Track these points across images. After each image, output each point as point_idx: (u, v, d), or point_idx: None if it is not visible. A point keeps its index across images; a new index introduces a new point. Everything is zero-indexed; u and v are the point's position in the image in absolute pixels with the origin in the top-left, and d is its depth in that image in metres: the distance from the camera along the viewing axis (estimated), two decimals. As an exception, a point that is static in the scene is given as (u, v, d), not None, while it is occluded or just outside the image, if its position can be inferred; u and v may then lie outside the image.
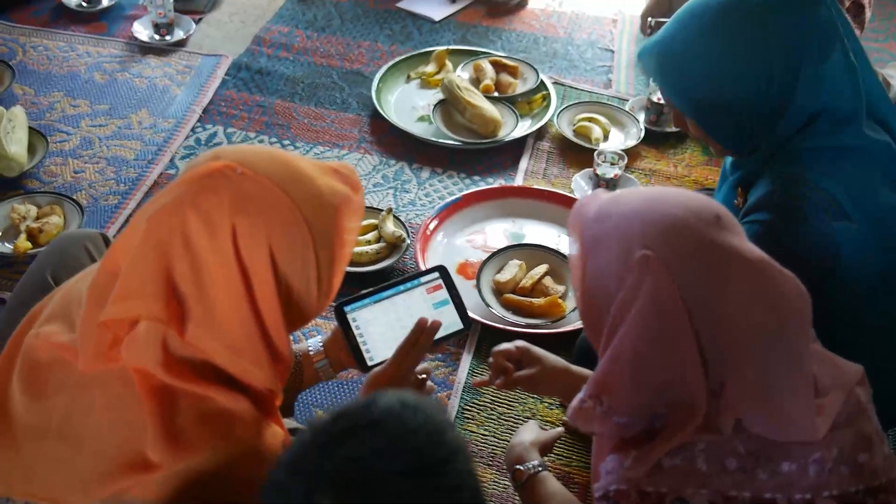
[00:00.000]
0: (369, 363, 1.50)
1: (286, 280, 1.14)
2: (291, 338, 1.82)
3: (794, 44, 1.54)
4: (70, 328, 1.19)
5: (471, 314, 2.09)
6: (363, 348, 1.50)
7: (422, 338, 1.45)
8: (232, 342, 1.12)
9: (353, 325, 1.51)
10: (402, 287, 1.57)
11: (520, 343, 1.59)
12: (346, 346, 1.51)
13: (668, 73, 1.65)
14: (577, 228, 1.21)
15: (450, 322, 1.56)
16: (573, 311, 2.14)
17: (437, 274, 1.59)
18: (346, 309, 1.51)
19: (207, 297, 1.10)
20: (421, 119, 2.82)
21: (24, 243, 2.21)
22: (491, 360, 1.61)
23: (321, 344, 1.58)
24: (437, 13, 3.34)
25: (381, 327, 1.52)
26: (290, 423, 1.63)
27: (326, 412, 1.00)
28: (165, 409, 1.11)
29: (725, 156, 1.79)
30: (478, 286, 2.18)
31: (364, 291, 1.55)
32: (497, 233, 2.41)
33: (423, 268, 2.22)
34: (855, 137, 1.58)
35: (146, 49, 3.07)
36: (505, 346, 1.59)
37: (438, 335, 1.51)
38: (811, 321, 1.10)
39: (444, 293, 1.58)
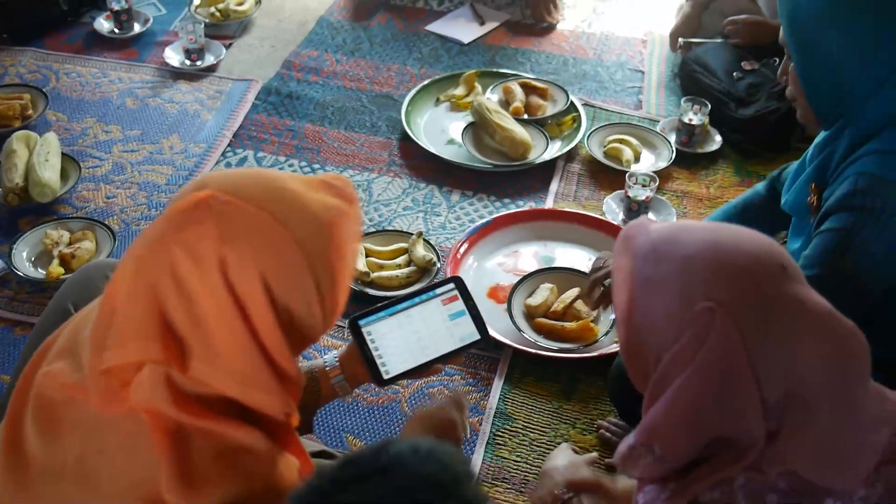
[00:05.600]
0: (385, 377, 1.47)
1: (284, 305, 1.11)
2: (307, 354, 1.81)
3: None
4: (78, 366, 1.17)
5: (502, 338, 2.10)
6: (378, 362, 1.47)
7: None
8: (237, 373, 1.10)
9: (367, 338, 1.48)
10: (417, 299, 1.53)
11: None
12: (361, 360, 1.48)
13: (794, 3, 1.60)
14: (625, 262, 1.15)
15: (467, 333, 1.53)
16: (605, 334, 2.11)
17: (452, 285, 1.56)
18: (361, 322, 1.48)
19: (205, 331, 1.08)
20: (450, 142, 2.81)
21: (56, 269, 2.22)
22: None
23: (337, 359, 1.54)
24: (466, 36, 3.34)
25: (397, 340, 1.49)
26: (312, 444, 1.62)
27: (343, 455, 0.98)
28: (179, 449, 1.09)
29: (812, 125, 1.74)
30: (509, 310, 2.16)
31: (379, 304, 1.52)
32: (528, 256, 2.40)
33: (453, 292, 2.21)
34: None
35: (177, 74, 3.09)
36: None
37: (456, 346, 1.49)
38: (870, 368, 1.07)
39: (460, 304, 1.54)
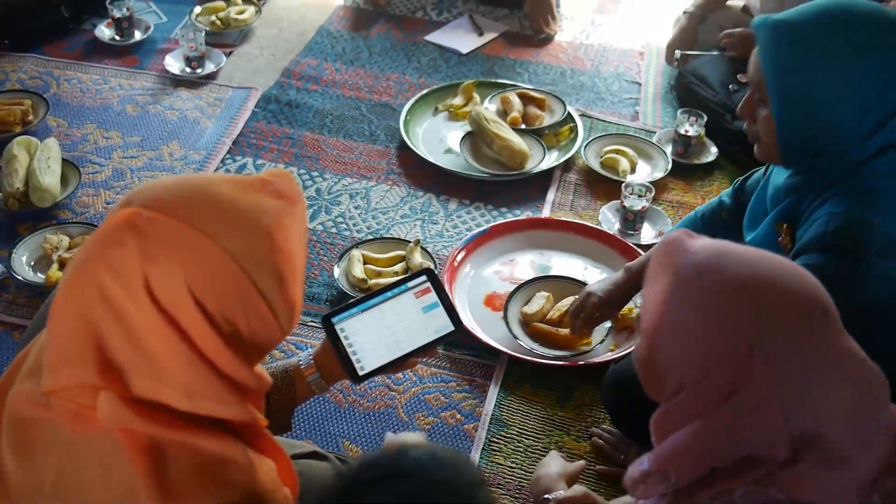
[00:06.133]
0: (360, 373, 1.46)
1: (224, 316, 1.08)
2: (287, 351, 1.79)
3: None
4: None
5: (497, 345, 2.11)
6: (353, 358, 1.46)
7: None
8: (183, 385, 1.07)
9: (341, 335, 1.47)
10: (389, 294, 1.52)
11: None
12: (336, 357, 1.47)
13: (778, 51, 1.57)
14: (663, 278, 1.12)
15: (441, 325, 1.52)
16: (601, 343, 2.13)
17: (424, 277, 1.54)
18: (334, 320, 1.47)
19: (145, 349, 1.05)
20: (448, 151, 2.83)
21: (55, 273, 2.24)
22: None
23: (311, 357, 1.52)
24: (465, 46, 3.36)
25: (371, 336, 1.48)
26: (304, 445, 1.62)
27: (356, 460, 0.99)
28: (156, 464, 1.07)
29: (777, 164, 1.73)
30: (505, 318, 2.18)
31: (351, 300, 1.51)
32: (524, 264, 2.42)
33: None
34: None
35: (177, 82, 3.11)
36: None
37: (430, 339, 1.49)
38: (889, 401, 1.08)
39: (433, 296, 1.53)
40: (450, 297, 1.55)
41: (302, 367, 1.51)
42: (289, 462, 1.24)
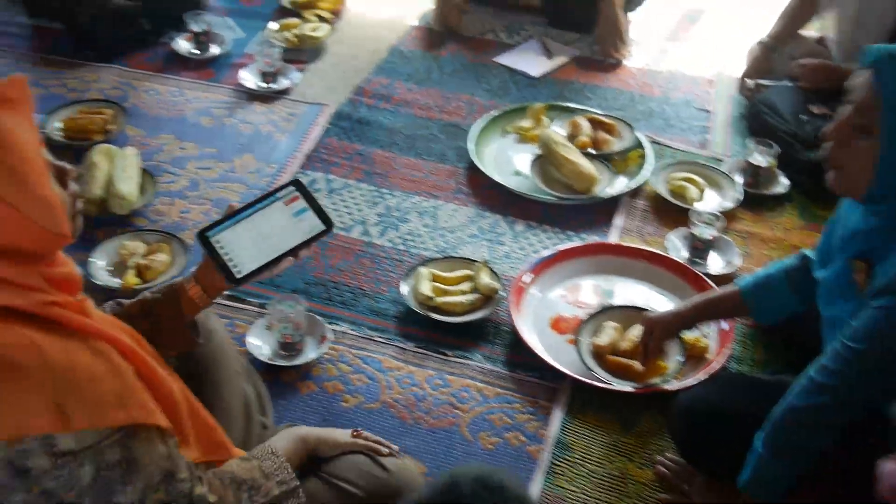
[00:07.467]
0: (237, 276, 1.51)
1: None
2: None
3: None
4: None
5: (564, 369, 2.12)
6: (230, 265, 1.52)
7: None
8: None
9: (216, 245, 1.53)
10: (259, 205, 1.58)
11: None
12: (215, 269, 1.52)
13: None
14: None
15: (312, 226, 1.57)
16: (673, 373, 2.11)
17: (292, 188, 1.60)
18: (209, 234, 1.54)
19: None
20: (516, 173, 2.85)
21: (132, 279, 2.29)
22: None
23: (193, 273, 1.58)
24: (535, 69, 3.39)
25: (246, 243, 1.54)
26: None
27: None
28: None
29: (852, 198, 1.66)
30: (578, 350, 2.17)
31: (222, 217, 1.57)
32: (588, 289, 2.42)
33: (516, 322, 2.24)
34: None
35: (252, 96, 3.17)
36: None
37: (303, 239, 1.54)
38: None
39: (302, 203, 1.59)
40: (318, 200, 1.60)
41: (185, 283, 1.57)
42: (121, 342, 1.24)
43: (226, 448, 1.46)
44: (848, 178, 1.61)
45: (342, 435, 1.67)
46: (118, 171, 2.59)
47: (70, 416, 1.10)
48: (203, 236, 1.53)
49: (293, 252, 1.55)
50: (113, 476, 1.13)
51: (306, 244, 1.56)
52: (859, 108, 1.56)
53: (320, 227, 1.57)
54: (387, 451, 1.69)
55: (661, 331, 2.02)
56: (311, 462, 1.61)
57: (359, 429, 1.72)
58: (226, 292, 2.17)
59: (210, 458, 1.41)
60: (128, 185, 2.57)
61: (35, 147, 1.17)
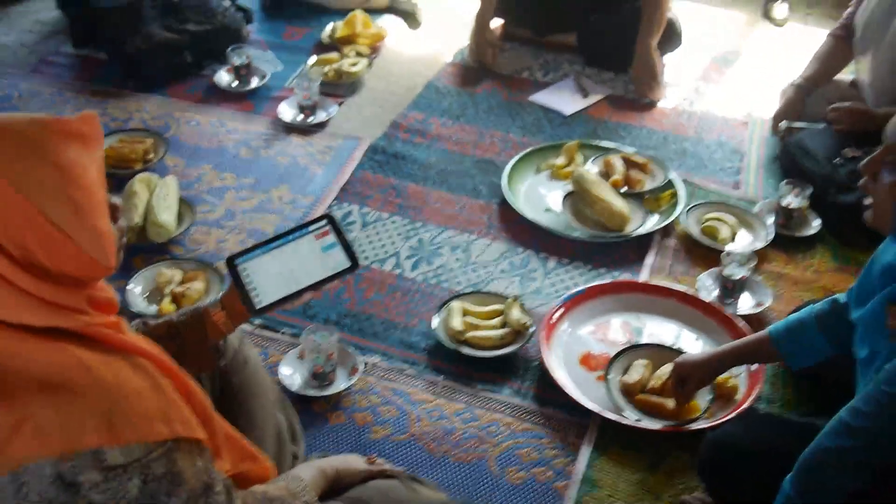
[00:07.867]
0: (257, 306, 1.54)
1: (13, 242, 1.13)
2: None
3: None
4: None
5: (592, 406, 2.13)
6: (252, 293, 1.55)
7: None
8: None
9: (242, 274, 1.56)
10: (291, 237, 1.61)
11: None
12: (239, 296, 1.56)
13: None
14: None
15: (337, 262, 1.59)
16: (704, 413, 2.12)
17: (325, 221, 1.63)
18: (237, 261, 1.57)
19: None
20: (548, 210, 2.88)
21: (168, 306, 2.34)
22: None
23: (219, 299, 1.62)
24: (569, 107, 3.42)
25: (270, 273, 1.57)
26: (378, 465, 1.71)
27: None
28: None
29: (883, 232, 1.68)
30: (607, 388, 2.18)
31: (255, 244, 1.60)
32: (618, 326, 2.43)
33: (545, 358, 2.25)
34: None
35: (290, 128, 3.23)
36: None
37: (327, 274, 1.57)
38: None
39: (332, 238, 1.61)
40: (347, 237, 1.63)
41: (210, 308, 1.61)
42: (164, 360, 1.27)
43: (254, 457, 1.49)
44: (878, 212, 1.65)
45: (356, 461, 1.71)
46: (157, 199, 2.64)
47: (119, 431, 1.13)
48: (231, 263, 1.58)
49: (315, 286, 1.58)
50: (159, 489, 1.16)
51: (329, 280, 1.59)
52: (890, 146, 1.60)
53: (346, 263, 1.60)
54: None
55: (695, 383, 2.04)
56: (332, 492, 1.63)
57: (372, 454, 1.75)
58: (256, 320, 2.22)
59: (240, 469, 1.44)
60: (166, 214, 2.62)
61: (100, 183, 1.23)
